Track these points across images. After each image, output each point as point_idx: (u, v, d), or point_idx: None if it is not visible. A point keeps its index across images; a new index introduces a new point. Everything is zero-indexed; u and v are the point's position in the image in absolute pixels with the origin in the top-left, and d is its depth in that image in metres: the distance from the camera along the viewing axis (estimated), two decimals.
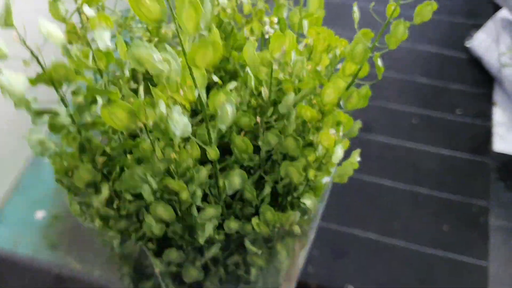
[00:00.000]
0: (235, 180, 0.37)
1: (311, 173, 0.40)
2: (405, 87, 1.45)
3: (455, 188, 1.23)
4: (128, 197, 0.36)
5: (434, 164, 1.29)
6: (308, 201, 0.41)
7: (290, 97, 0.39)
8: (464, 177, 1.26)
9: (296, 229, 0.42)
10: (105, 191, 0.35)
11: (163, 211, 0.34)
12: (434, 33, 1.60)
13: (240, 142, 0.37)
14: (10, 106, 1.19)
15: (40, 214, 1.28)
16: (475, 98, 1.37)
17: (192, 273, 0.43)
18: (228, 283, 0.49)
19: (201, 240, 0.38)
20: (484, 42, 1.34)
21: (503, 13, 1.29)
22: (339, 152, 0.39)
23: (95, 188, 0.36)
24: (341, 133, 0.39)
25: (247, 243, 0.43)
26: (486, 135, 1.30)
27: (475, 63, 1.43)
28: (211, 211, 0.37)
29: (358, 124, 0.43)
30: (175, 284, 0.48)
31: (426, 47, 1.56)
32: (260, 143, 0.40)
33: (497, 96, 1.34)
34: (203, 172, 0.35)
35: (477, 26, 1.48)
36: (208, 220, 0.37)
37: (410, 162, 1.30)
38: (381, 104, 1.41)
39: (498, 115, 1.30)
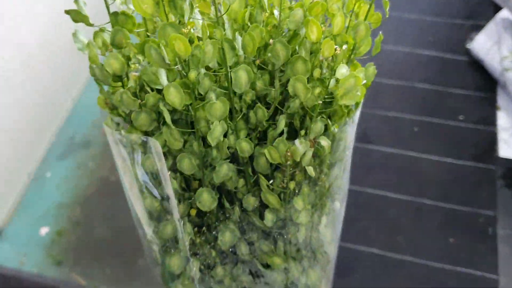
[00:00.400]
0: (242, 75, 0.40)
1: (317, 90, 0.43)
2: (405, 93, 1.42)
3: (461, 198, 1.20)
4: (149, 89, 0.41)
5: (437, 174, 1.25)
6: (323, 141, 0.44)
7: (298, 11, 0.42)
8: (469, 186, 1.22)
9: (310, 170, 0.44)
10: (131, 82, 0.40)
11: (175, 94, 0.37)
12: (433, 35, 1.56)
13: (247, 39, 0.40)
14: (12, 124, 1.16)
15: (44, 230, 1.27)
16: (477, 102, 1.33)
17: (206, 197, 0.45)
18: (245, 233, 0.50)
19: (212, 142, 0.40)
20: (485, 44, 1.31)
21: (504, 13, 1.25)
22: (343, 70, 0.41)
23: (122, 82, 0.41)
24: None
25: (261, 177, 0.45)
26: (491, 141, 1.27)
27: (476, 66, 1.40)
28: (219, 106, 0.39)
29: (372, 69, 0.45)
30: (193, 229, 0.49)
31: (425, 51, 1.53)
32: (269, 55, 0.42)
33: (501, 100, 1.30)
34: (209, 48, 0.37)
35: (478, 27, 1.44)
36: (216, 119, 0.39)
37: (413, 172, 1.27)
38: (380, 112, 1.38)
39: (502, 119, 1.26)
